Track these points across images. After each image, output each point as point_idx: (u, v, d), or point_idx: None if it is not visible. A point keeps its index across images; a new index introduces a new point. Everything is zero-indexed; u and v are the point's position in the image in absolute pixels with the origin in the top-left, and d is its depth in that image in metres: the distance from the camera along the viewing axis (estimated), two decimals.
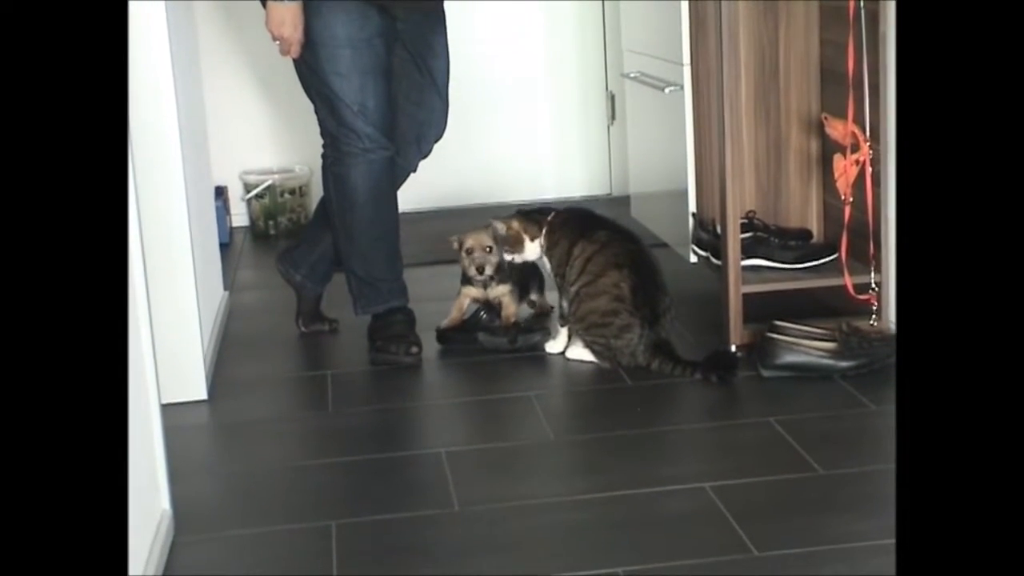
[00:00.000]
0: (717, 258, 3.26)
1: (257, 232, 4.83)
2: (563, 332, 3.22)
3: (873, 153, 3.02)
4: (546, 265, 3.28)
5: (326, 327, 3.55)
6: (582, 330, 3.13)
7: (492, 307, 3.34)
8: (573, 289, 3.13)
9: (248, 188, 4.84)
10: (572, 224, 3.23)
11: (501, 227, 3.27)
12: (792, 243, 3.27)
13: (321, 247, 3.45)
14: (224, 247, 4.21)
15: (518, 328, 3.31)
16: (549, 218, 3.25)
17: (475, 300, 3.37)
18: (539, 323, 3.39)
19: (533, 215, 3.28)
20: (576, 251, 3.15)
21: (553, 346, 3.24)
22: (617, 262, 3.10)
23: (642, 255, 3.16)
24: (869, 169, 3.03)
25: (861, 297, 3.06)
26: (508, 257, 3.29)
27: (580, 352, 3.17)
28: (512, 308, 3.34)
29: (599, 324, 3.08)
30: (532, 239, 3.25)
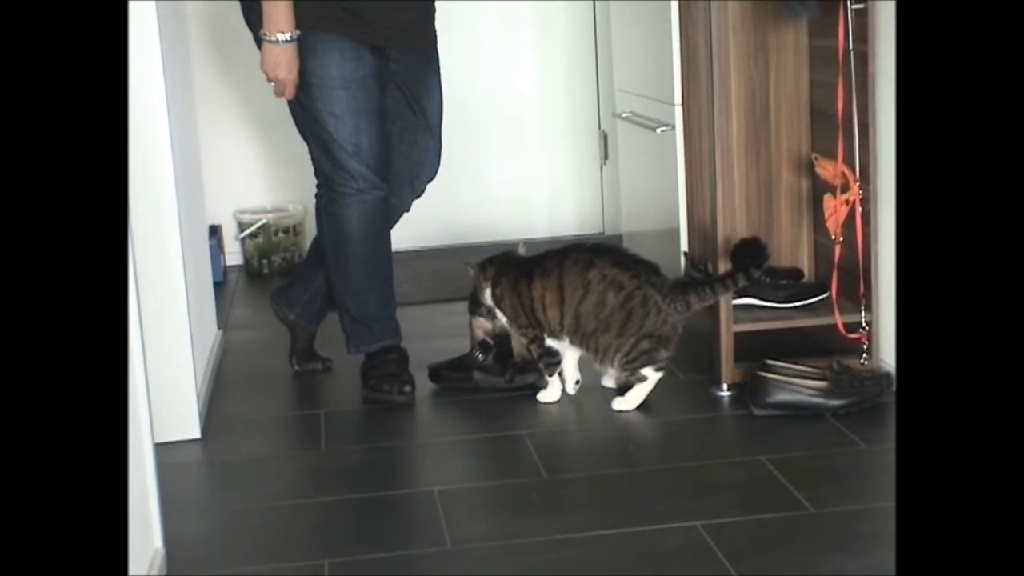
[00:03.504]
0: None
1: (251, 271, 4.84)
2: (553, 381, 3.20)
3: (863, 193, 3.04)
4: (501, 319, 3.24)
5: (319, 366, 3.55)
6: (624, 355, 3.06)
7: (488, 347, 3.32)
8: (568, 320, 3.09)
9: (242, 227, 4.85)
10: (510, 271, 3.20)
11: (470, 271, 3.28)
12: (783, 282, 3.29)
13: (315, 286, 3.46)
14: (218, 286, 4.22)
15: (515, 367, 3.31)
16: (490, 275, 3.23)
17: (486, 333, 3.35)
18: (535, 363, 3.39)
19: (487, 264, 3.26)
20: (536, 292, 3.12)
21: (545, 396, 3.21)
22: (584, 263, 3.09)
23: (593, 245, 3.18)
24: (859, 209, 3.05)
25: (852, 336, 3.08)
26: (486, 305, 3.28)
27: (633, 397, 3.10)
28: (521, 347, 3.31)
29: (626, 321, 3.04)
30: (483, 289, 3.24)
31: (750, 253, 3.05)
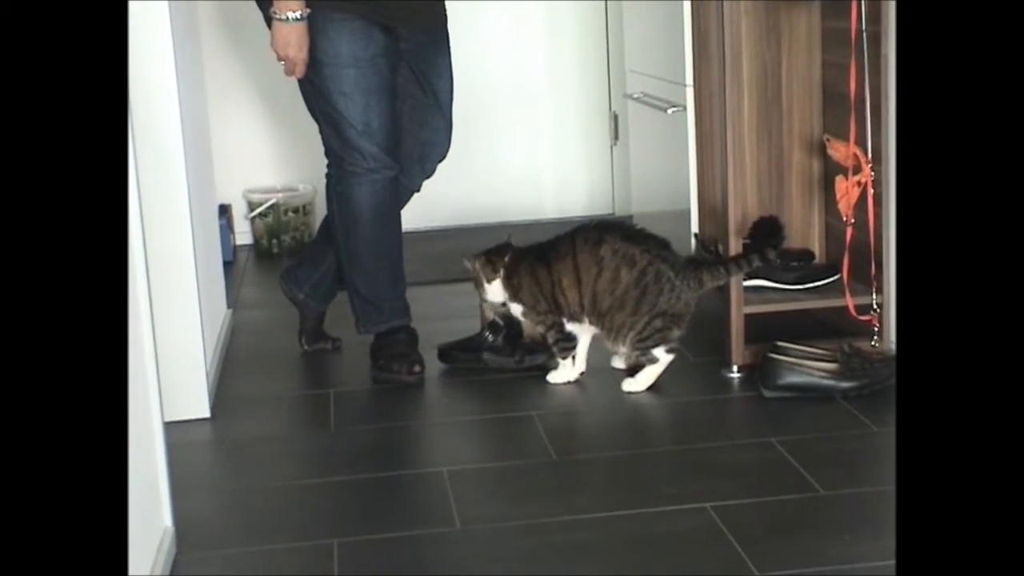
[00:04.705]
0: None
1: (261, 250, 4.84)
2: (564, 363, 3.20)
3: (874, 174, 3.03)
4: (516, 311, 3.21)
5: (329, 345, 3.55)
6: (636, 333, 3.05)
7: (498, 327, 3.32)
8: (587, 300, 3.08)
9: (252, 207, 4.85)
10: (525, 259, 3.18)
11: (468, 265, 3.24)
12: (794, 264, 3.28)
13: (324, 266, 3.45)
14: (228, 265, 4.23)
15: (525, 348, 3.30)
16: (505, 260, 3.20)
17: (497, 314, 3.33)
18: (544, 344, 3.37)
19: (492, 256, 3.22)
20: (555, 275, 3.11)
21: (555, 376, 3.20)
22: (595, 241, 3.08)
23: (599, 223, 3.16)
24: (871, 190, 3.03)
25: (863, 318, 3.07)
26: (485, 299, 3.26)
27: (643, 378, 3.09)
28: (531, 328, 3.29)
29: (641, 298, 3.03)
30: (489, 281, 3.20)
31: (768, 233, 3.04)
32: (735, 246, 3.15)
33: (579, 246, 3.10)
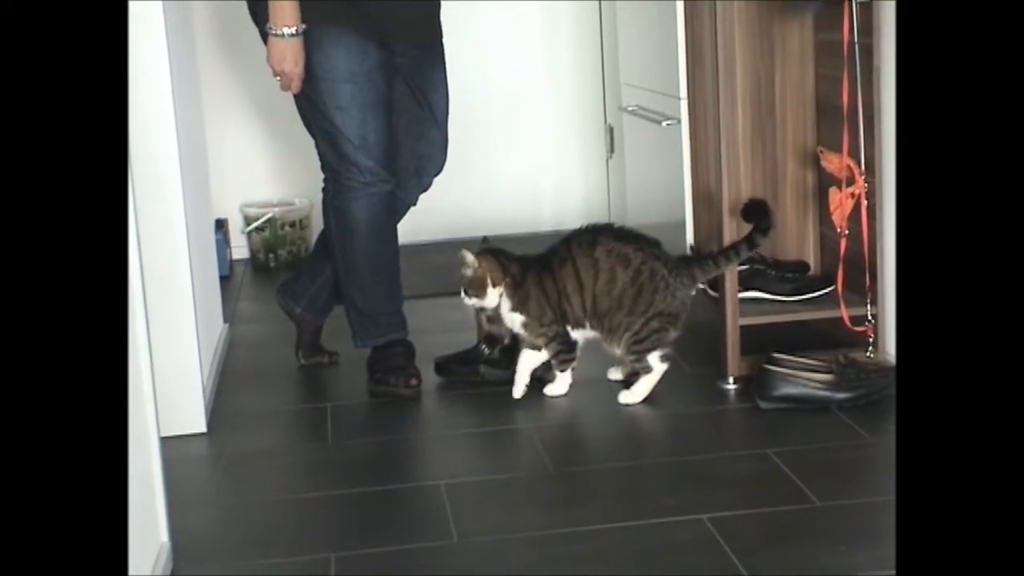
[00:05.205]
0: (715, 290, 3.28)
1: (257, 265, 4.85)
2: (562, 376, 3.19)
3: (868, 186, 3.04)
4: (514, 321, 3.17)
5: (326, 359, 3.55)
6: (633, 334, 3.06)
7: (495, 339, 3.32)
8: (587, 304, 3.09)
9: (248, 221, 4.86)
10: (532, 268, 3.16)
11: (470, 259, 3.15)
12: (789, 275, 3.28)
13: (321, 279, 3.46)
14: (224, 280, 4.23)
15: None
16: (512, 271, 3.15)
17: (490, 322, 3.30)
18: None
19: (501, 258, 3.17)
20: (560, 283, 3.11)
21: (552, 389, 3.19)
22: (589, 243, 3.10)
23: (591, 226, 3.17)
24: (864, 202, 3.05)
25: (858, 329, 3.07)
26: (469, 301, 3.19)
27: (639, 390, 3.10)
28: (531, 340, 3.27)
29: (637, 297, 3.04)
30: (495, 285, 3.15)
31: (756, 216, 3.05)
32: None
33: (575, 250, 3.11)
